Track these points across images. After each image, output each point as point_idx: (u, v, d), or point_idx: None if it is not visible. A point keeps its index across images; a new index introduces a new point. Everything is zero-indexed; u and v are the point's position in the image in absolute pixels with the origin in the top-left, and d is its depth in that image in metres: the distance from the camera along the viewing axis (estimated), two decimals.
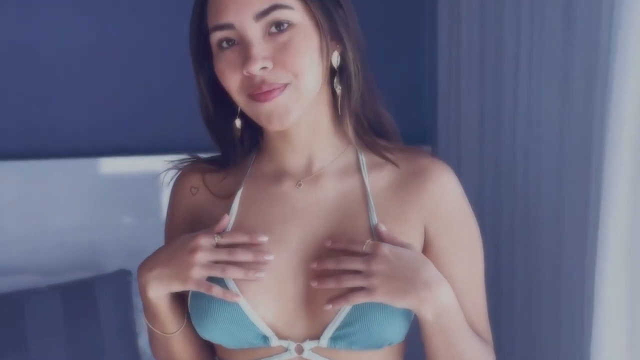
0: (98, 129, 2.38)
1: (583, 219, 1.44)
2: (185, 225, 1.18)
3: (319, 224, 1.12)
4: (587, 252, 1.38)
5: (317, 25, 1.04)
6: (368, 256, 1.04)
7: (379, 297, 1.03)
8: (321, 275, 1.07)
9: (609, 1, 1.28)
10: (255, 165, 1.17)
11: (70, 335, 2.25)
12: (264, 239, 1.08)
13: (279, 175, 1.14)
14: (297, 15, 1.04)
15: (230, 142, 1.16)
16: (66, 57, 2.35)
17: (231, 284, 1.07)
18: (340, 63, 1.08)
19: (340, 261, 1.05)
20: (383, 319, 1.06)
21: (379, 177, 1.13)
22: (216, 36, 1.05)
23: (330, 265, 1.06)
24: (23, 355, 2.21)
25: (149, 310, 1.12)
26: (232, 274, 1.04)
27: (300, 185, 1.14)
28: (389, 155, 1.12)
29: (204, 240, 1.05)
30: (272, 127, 1.05)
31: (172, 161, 1.21)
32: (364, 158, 1.14)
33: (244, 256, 1.05)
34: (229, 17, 1.03)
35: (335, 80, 1.08)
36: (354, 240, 1.06)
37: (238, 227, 1.13)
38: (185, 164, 1.20)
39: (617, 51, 1.24)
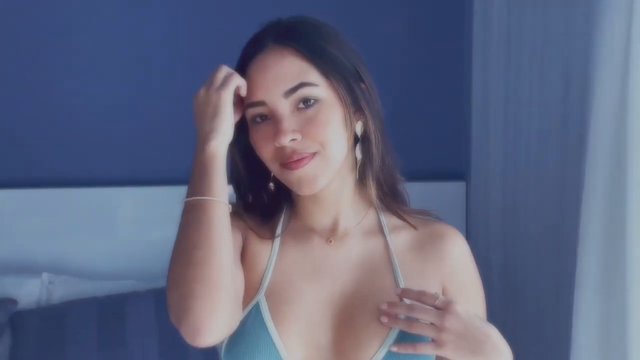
0: None
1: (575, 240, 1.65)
2: (237, 230, 1.12)
3: (347, 279, 1.11)
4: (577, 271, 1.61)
5: (341, 99, 1.05)
6: (441, 311, 1.02)
7: (447, 353, 1.02)
8: (347, 324, 1.08)
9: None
10: (286, 220, 1.17)
11: (162, 335, 2.31)
12: None
13: (308, 232, 1.14)
14: (322, 91, 1.05)
15: (262, 202, 1.15)
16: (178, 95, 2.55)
17: (273, 331, 1.07)
18: (363, 132, 1.09)
19: (413, 310, 1.03)
20: None
21: (399, 238, 1.14)
22: (250, 112, 1.06)
23: (402, 310, 1.04)
24: (122, 351, 2.30)
25: (202, 169, 1.02)
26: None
27: (331, 242, 1.13)
28: (408, 218, 1.14)
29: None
30: (302, 192, 1.07)
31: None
32: (384, 219, 1.15)
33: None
34: (261, 96, 1.05)
35: (357, 147, 1.09)
36: (425, 292, 1.04)
37: (278, 271, 1.12)
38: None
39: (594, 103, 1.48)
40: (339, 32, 1.10)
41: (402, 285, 1.10)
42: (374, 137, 1.08)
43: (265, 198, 1.15)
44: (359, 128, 1.08)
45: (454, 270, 1.13)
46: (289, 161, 1.04)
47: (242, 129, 1.08)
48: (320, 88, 1.05)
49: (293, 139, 1.03)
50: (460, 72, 2.61)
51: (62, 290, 2.49)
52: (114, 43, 2.65)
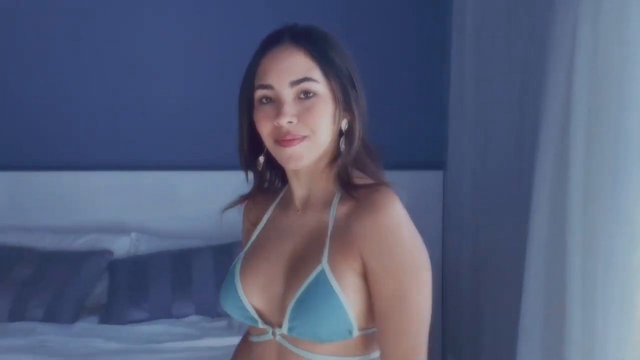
0: None
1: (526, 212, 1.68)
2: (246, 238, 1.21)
3: (298, 242, 1.09)
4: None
5: (335, 97, 1.05)
6: None
7: None
8: (290, 278, 1.06)
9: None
10: (283, 197, 1.18)
11: (218, 276, 2.41)
12: None
13: (292, 203, 1.14)
14: (321, 87, 1.04)
15: (257, 173, 1.15)
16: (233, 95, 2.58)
17: (237, 279, 1.11)
18: (347, 128, 1.08)
19: None
20: (316, 321, 1.02)
21: (343, 209, 1.06)
22: (259, 93, 1.05)
23: None
24: (189, 289, 2.46)
25: None
26: None
27: (299, 211, 1.12)
28: (355, 194, 1.05)
29: None
30: (289, 167, 1.07)
31: (231, 202, 1.19)
32: (339, 195, 1.08)
33: None
34: (270, 81, 1.04)
35: (341, 140, 1.08)
36: None
37: (260, 236, 1.15)
38: (238, 200, 1.19)
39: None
40: (342, 43, 1.10)
41: (326, 252, 1.04)
42: (357, 133, 1.07)
43: (262, 174, 1.15)
44: (344, 124, 1.07)
45: (371, 234, 1.00)
46: (282, 139, 1.03)
47: (250, 107, 1.08)
48: (321, 85, 1.04)
49: (290, 122, 1.03)
50: (440, 81, 2.71)
51: (146, 245, 2.73)
52: (179, 49, 2.80)
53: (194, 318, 2.35)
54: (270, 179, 1.17)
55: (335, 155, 1.08)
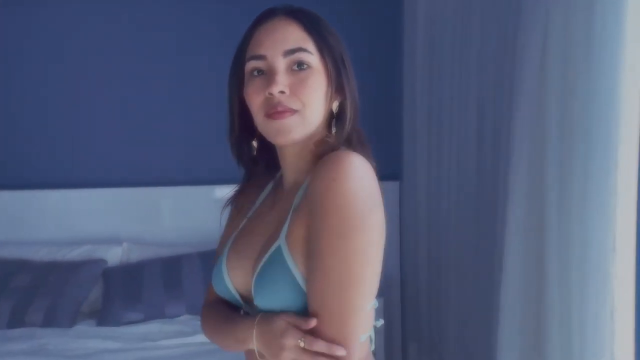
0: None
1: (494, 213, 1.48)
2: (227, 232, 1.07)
3: (274, 223, 0.94)
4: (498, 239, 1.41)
5: (328, 74, 0.91)
6: None
7: None
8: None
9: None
10: (276, 184, 1.02)
11: (205, 278, 2.33)
12: (342, 352, 0.82)
13: (281, 189, 0.99)
14: (315, 60, 0.90)
15: (249, 159, 0.99)
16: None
17: (224, 262, 0.97)
18: (338, 110, 0.93)
19: None
20: (273, 295, 0.87)
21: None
22: (250, 65, 0.92)
23: None
24: (180, 291, 2.39)
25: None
26: None
27: (286, 195, 0.97)
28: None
29: (291, 341, 0.84)
30: (277, 141, 0.92)
31: (228, 198, 1.06)
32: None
33: None
34: (263, 51, 0.90)
35: (333, 122, 0.93)
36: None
37: (246, 223, 1.00)
38: (230, 195, 1.06)
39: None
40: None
41: (285, 228, 0.89)
42: (348, 115, 0.93)
43: (254, 158, 1.00)
44: (334, 106, 0.93)
45: (309, 197, 0.86)
46: (273, 111, 0.89)
47: (241, 87, 0.95)
48: (314, 57, 0.90)
49: (282, 92, 0.89)
50: (395, 98, 2.64)
51: (137, 253, 2.66)
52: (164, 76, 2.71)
53: (185, 317, 2.28)
54: (263, 164, 1.01)
55: (323, 139, 0.92)
